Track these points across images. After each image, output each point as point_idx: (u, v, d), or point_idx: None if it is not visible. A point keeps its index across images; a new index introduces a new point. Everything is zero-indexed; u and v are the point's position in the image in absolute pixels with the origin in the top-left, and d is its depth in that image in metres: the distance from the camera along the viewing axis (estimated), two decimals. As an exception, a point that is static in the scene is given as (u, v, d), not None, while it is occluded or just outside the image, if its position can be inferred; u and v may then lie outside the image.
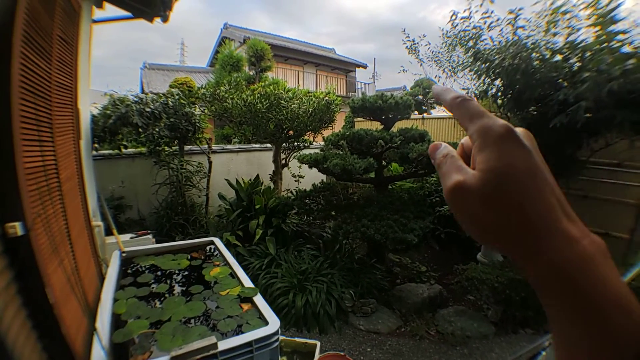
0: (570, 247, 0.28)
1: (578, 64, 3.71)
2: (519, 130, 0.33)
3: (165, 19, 4.03)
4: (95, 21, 3.71)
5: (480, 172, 0.32)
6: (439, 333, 3.68)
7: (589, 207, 4.65)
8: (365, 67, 20.87)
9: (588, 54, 3.56)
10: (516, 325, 3.72)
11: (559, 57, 3.82)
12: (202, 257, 2.96)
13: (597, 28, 3.48)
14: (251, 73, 12.31)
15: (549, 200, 0.30)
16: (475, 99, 0.32)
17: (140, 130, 4.91)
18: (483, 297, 3.90)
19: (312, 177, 6.04)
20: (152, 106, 5.03)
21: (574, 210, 0.32)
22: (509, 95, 4.29)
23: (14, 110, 1.50)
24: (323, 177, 6.21)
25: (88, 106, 3.75)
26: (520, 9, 4.03)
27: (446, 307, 4.08)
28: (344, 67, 20.05)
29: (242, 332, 1.91)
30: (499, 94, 4.47)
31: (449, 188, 0.33)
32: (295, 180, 6.27)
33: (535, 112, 4.23)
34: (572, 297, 0.28)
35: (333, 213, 4.86)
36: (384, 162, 4.90)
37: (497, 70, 4.06)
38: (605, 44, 3.38)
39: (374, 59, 40.02)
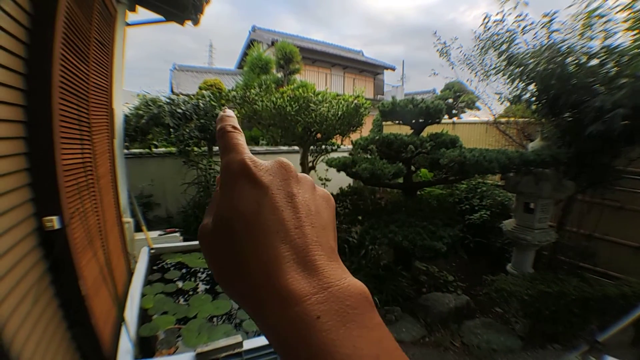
0: (289, 307, 0.22)
1: (615, 69, 3.56)
2: (268, 162, 0.30)
3: (196, 22, 4.11)
4: (129, 24, 3.83)
5: (213, 215, 0.28)
6: (464, 345, 3.58)
7: (624, 219, 4.44)
8: (393, 69, 20.68)
9: (625, 58, 3.42)
10: (544, 340, 3.58)
11: (595, 62, 3.67)
12: (228, 257, 2.99)
13: (635, 32, 3.34)
14: (279, 75, 12.43)
15: (275, 249, 0.25)
16: (238, 131, 0.27)
17: (171, 130, 5.03)
18: (511, 309, 3.76)
19: (339, 180, 6.01)
20: (183, 107, 5.16)
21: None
22: (544, 101, 4.15)
23: (54, 110, 1.56)
24: (349, 181, 6.17)
25: (121, 106, 3.88)
26: (555, 12, 3.90)
27: (473, 318, 3.96)
28: (371, 70, 19.94)
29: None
30: (533, 99, 4.33)
31: (198, 231, 0.30)
32: (322, 184, 6.26)
33: (570, 119, 4.08)
34: None
35: (360, 218, 4.82)
36: (413, 168, 4.83)
37: (532, 74, 3.95)
38: (643, 48, 3.24)
39: (403, 61, 39.67)
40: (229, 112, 0.35)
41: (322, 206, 0.30)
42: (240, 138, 0.32)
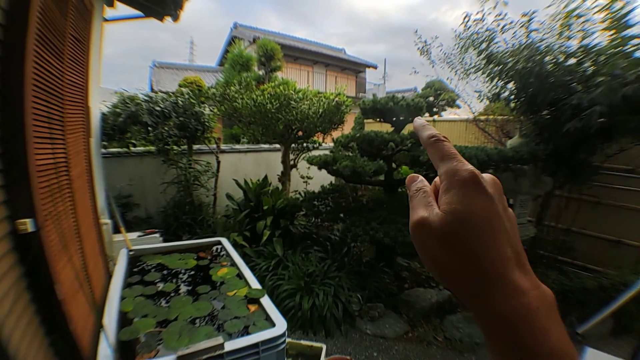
0: (516, 298, 0.29)
1: (592, 68, 3.67)
2: (486, 176, 0.34)
3: (175, 18, 4.04)
4: (106, 20, 3.73)
5: (443, 212, 0.32)
6: (446, 339, 3.63)
7: (601, 213, 4.59)
8: (375, 67, 20.79)
9: (602, 58, 3.53)
10: (524, 333, 3.67)
11: (572, 61, 3.78)
12: (209, 257, 2.95)
13: (612, 32, 3.44)
14: (260, 73, 12.31)
15: (503, 250, 0.30)
16: (449, 140, 0.35)
17: (149, 128, 4.93)
18: (492, 303, 3.85)
19: (321, 178, 6.02)
20: (162, 105, 5.06)
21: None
22: (522, 99, 4.25)
23: (26, 109, 1.51)
24: (331, 178, 6.17)
25: (98, 104, 3.78)
26: (533, 12, 4.00)
27: (455, 313, 4.02)
28: (354, 68, 19.99)
29: (249, 333, 1.90)
30: (512, 97, 4.43)
31: (413, 223, 0.34)
32: (304, 182, 6.24)
33: (548, 116, 4.19)
34: (513, 346, 0.28)
35: (341, 215, 4.83)
36: (394, 165, 4.87)
37: (510, 73, 4.03)
38: (620, 48, 3.35)
39: (385, 59, 39.79)
40: (424, 121, 0.42)
41: (514, 222, 0.35)
42: (453, 148, 0.36)
